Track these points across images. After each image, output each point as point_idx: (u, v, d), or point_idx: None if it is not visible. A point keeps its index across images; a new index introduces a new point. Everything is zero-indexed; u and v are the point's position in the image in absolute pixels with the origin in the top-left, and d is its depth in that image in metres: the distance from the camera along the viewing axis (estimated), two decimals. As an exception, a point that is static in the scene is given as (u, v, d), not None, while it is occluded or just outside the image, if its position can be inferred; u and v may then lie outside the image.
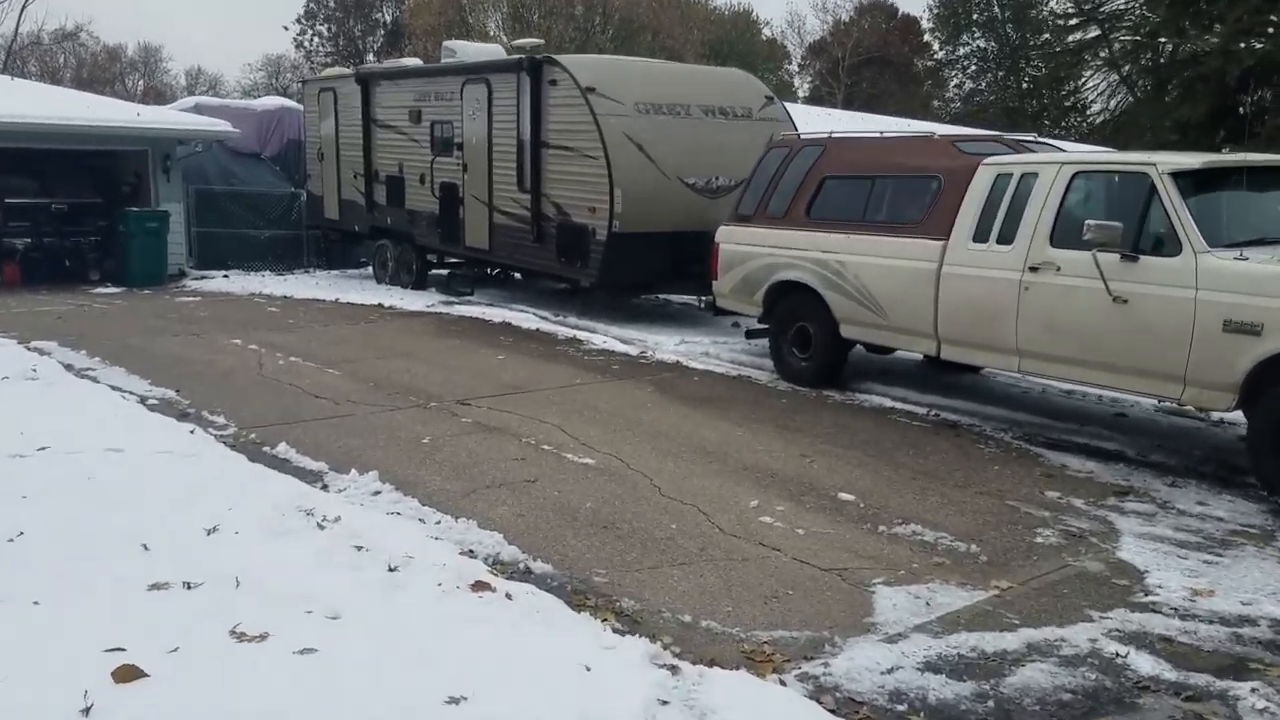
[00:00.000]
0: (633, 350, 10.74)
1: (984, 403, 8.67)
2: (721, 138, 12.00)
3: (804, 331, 9.20)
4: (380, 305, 13.82)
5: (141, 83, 60.65)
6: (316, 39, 52.40)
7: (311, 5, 51.94)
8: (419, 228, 14.99)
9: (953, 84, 54.69)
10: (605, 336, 11.41)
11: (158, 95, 51.56)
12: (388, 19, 52.18)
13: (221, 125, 17.40)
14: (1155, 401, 8.20)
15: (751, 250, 9.55)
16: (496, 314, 12.89)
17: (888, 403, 8.69)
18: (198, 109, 19.59)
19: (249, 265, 17.92)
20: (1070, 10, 31.95)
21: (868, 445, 7.36)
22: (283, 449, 6.82)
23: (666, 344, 10.95)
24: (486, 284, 15.26)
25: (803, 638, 4.33)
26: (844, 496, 6.19)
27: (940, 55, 54.54)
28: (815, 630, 4.40)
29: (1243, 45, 14.51)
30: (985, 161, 7.78)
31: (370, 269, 17.02)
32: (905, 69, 55.03)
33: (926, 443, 7.47)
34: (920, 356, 9.79)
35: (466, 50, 15.20)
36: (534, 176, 12.33)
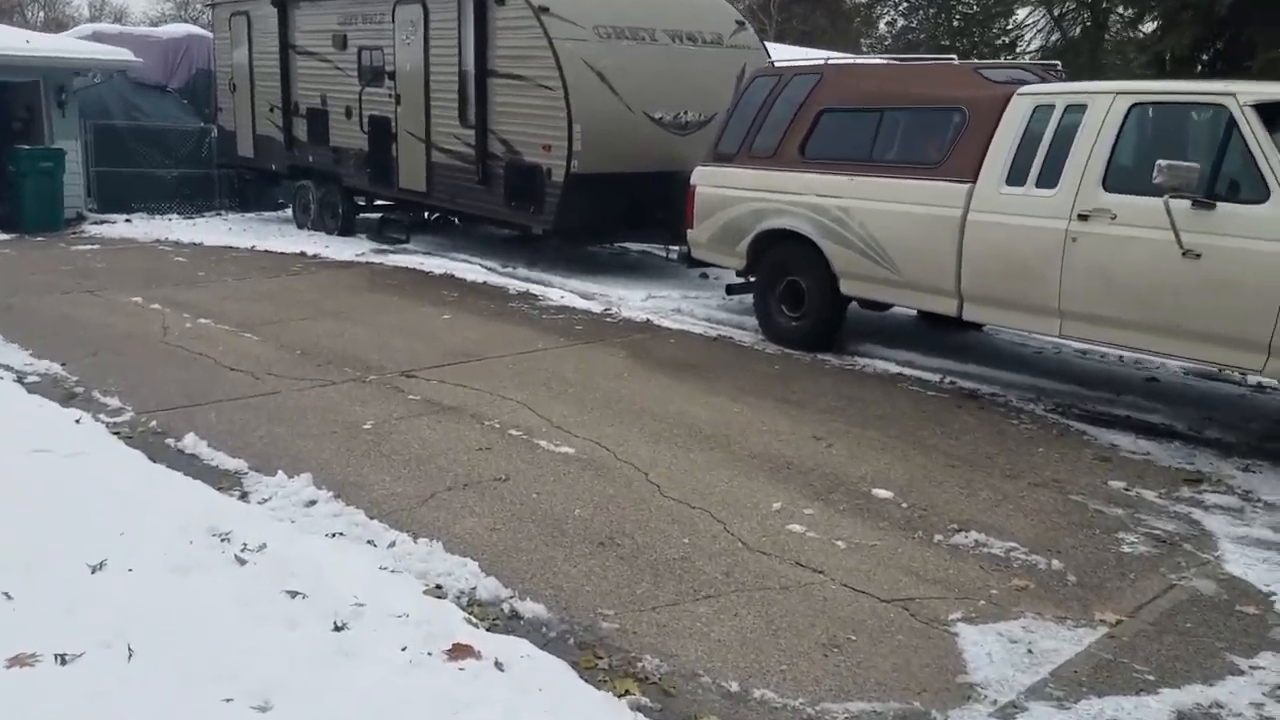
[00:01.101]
0: (595, 307, 9.57)
1: (998, 366, 7.70)
2: (689, 67, 10.77)
3: (795, 287, 8.12)
4: (303, 254, 12.42)
5: (42, 14, 56.60)
6: (227, -34, 49.12)
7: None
8: (345, 167, 13.54)
9: (884, 21, 53.71)
10: (563, 291, 10.21)
11: (60, 27, 47.85)
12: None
13: (123, 54, 15.74)
14: (1188, 365, 7.34)
15: (734, 194, 8.41)
16: (437, 264, 11.58)
17: (893, 368, 7.68)
18: (96, 37, 17.76)
19: (155, 208, 16.33)
20: None
21: (885, 422, 6.35)
22: (190, 441, 5.57)
23: (632, 299, 9.79)
24: (423, 229, 13.86)
25: (890, 713, 3.30)
26: (879, 493, 5.17)
27: (872, -9, 53.38)
28: (903, 700, 3.37)
29: (1238, -28, 13.46)
30: (1021, 91, 6.72)
31: (290, 211, 15.52)
32: (836, 5, 53.95)
33: (950, 418, 6.48)
34: (915, 313, 8.85)
35: (395, -32, 13.65)
36: (479, 110, 10.96)
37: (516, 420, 6.16)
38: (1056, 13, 30.53)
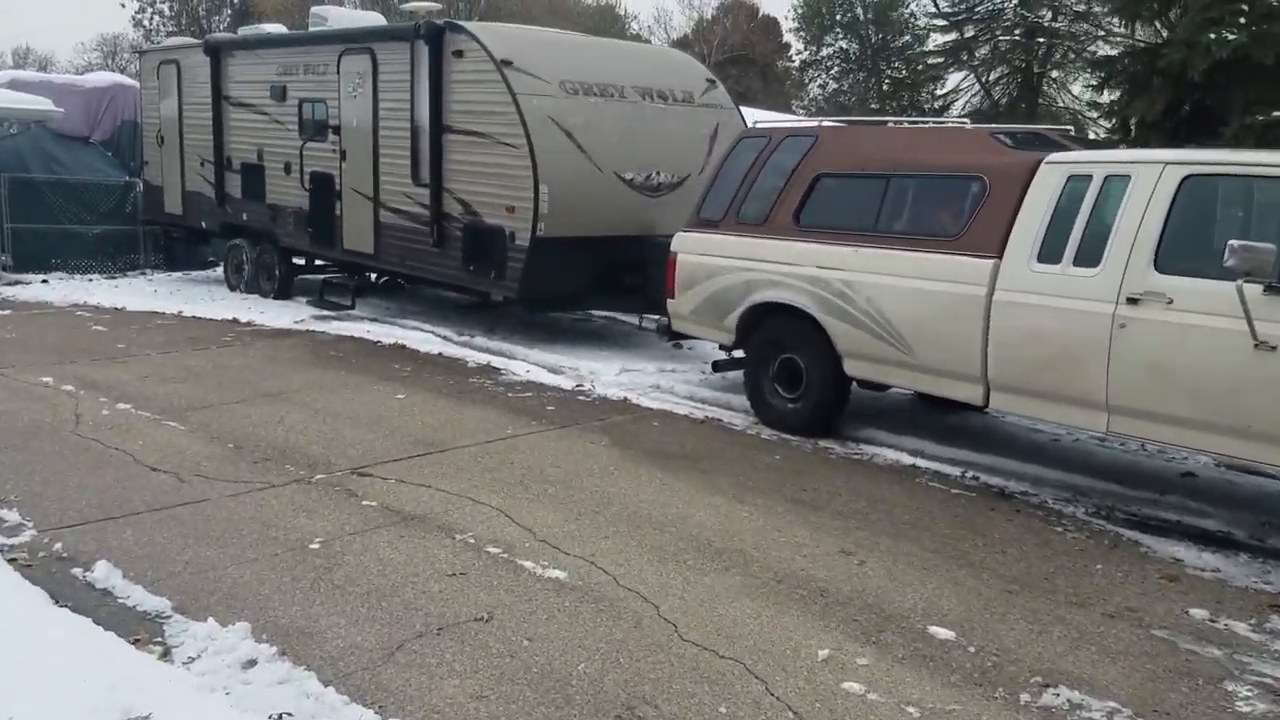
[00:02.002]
0: (566, 383, 8.71)
1: (1018, 457, 7.00)
2: (660, 126, 10.08)
3: (792, 365, 7.37)
4: (235, 321, 11.38)
5: (-39, 62, 54.67)
6: (157, 17, 47.84)
7: (151, -20, 47.36)
8: (283, 226, 12.57)
9: (815, 84, 54.38)
10: (527, 364, 9.34)
11: (-19, 74, 46.18)
12: (236, -3, 48.04)
13: (42, 103, 14.70)
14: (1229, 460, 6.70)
15: (721, 264, 7.67)
16: (385, 333, 10.64)
17: (905, 459, 6.93)
18: (14, 84, 16.58)
19: (75, 266, 15.18)
20: (935, 22, 31.40)
21: (917, 531, 5.56)
22: (102, 572, 4.57)
23: (604, 373, 8.95)
24: (369, 293, 12.90)
25: None
26: (938, 632, 4.36)
27: (805, 55, 54.19)
28: None
29: (1213, 36, 13.14)
30: (1050, 159, 6.08)
31: (220, 271, 14.48)
32: (769, 68, 54.51)
33: (988, 525, 5.72)
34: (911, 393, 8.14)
35: (340, 17, 12.84)
36: (434, 167, 10.11)
37: (493, 532, 5.26)
38: (986, 79, 30.91)
